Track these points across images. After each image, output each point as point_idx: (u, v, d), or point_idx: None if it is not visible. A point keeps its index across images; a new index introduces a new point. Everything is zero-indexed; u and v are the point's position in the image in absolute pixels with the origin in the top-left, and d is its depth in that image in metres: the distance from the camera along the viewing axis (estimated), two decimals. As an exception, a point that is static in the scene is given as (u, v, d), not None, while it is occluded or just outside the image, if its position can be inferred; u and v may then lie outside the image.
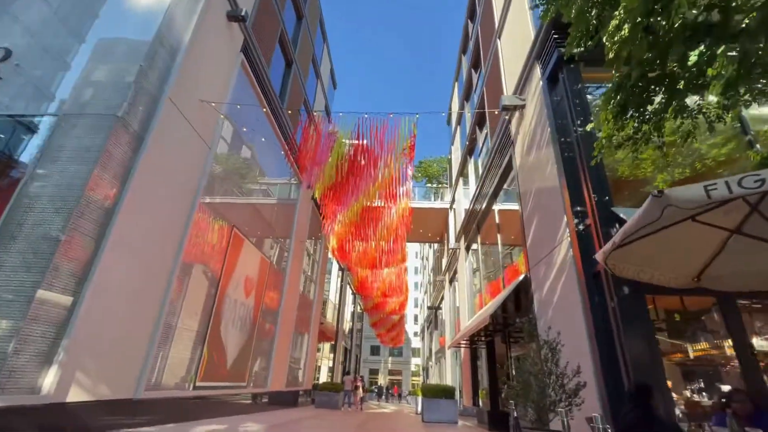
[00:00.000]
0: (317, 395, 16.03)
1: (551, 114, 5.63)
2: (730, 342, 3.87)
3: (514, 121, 7.52)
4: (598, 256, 2.91)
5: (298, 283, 14.52)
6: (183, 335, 7.01)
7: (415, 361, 62.25)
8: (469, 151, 13.16)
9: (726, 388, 3.92)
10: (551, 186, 5.56)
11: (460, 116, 15.59)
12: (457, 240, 14.35)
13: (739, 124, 5.10)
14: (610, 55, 3.20)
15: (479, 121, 11.31)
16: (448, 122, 19.65)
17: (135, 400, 5.66)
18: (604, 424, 3.04)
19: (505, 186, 8.86)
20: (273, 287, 11.99)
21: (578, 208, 4.79)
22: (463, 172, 14.75)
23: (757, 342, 3.96)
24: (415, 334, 63.13)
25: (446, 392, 11.41)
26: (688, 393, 4.15)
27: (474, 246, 12.86)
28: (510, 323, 7.98)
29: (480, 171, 11.00)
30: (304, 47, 14.96)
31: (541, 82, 6.08)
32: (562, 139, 5.31)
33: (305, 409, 14.15)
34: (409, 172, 8.55)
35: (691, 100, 3.53)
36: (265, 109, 9.17)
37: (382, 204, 9.16)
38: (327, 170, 8.36)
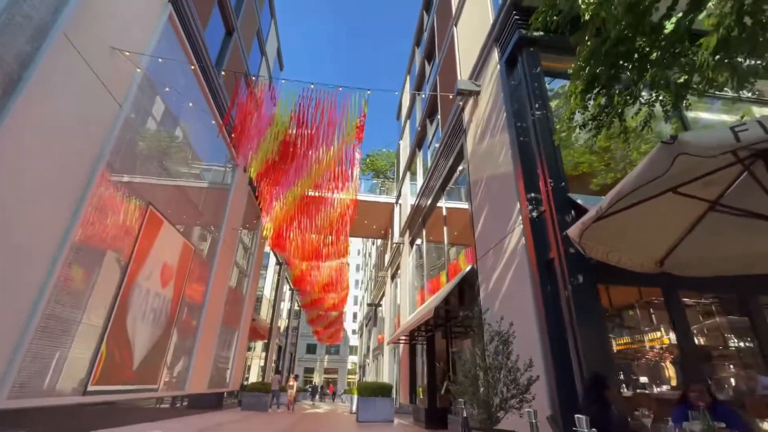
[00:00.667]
0: (244, 396, 14.82)
1: (507, 98, 5.42)
2: (673, 335, 3.86)
3: (467, 109, 7.30)
4: (574, 230, 2.61)
5: (228, 275, 13.25)
6: (72, 330, 5.75)
7: (353, 359, 61.81)
8: (419, 143, 12.92)
9: (671, 381, 3.90)
10: (504, 172, 5.34)
11: (410, 109, 15.35)
12: (402, 235, 14.07)
13: (680, 127, 5.26)
14: (586, 17, 2.92)
15: (430, 113, 11.09)
16: (398, 117, 19.40)
17: (-7, 411, 4.42)
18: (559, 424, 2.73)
19: (454, 176, 8.66)
20: (198, 278, 10.71)
21: (532, 195, 4.57)
22: (411, 167, 14.51)
23: (699, 334, 4.00)
24: (354, 332, 62.68)
25: (382, 390, 11.02)
26: (639, 385, 4.11)
27: (418, 241, 12.64)
28: (453, 317, 7.76)
29: (429, 164, 10.76)
30: (248, 18, 13.70)
31: (498, 66, 5.86)
32: (518, 124, 5.10)
33: (230, 412, 12.94)
34: (357, 156, 7.97)
35: (647, 93, 3.42)
36: (193, 67, 8.02)
37: (326, 190, 8.46)
38: (264, 146, 7.48)
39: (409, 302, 11.93)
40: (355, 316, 64.61)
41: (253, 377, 22.92)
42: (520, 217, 4.73)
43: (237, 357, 15.55)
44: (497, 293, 5.18)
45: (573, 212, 4.07)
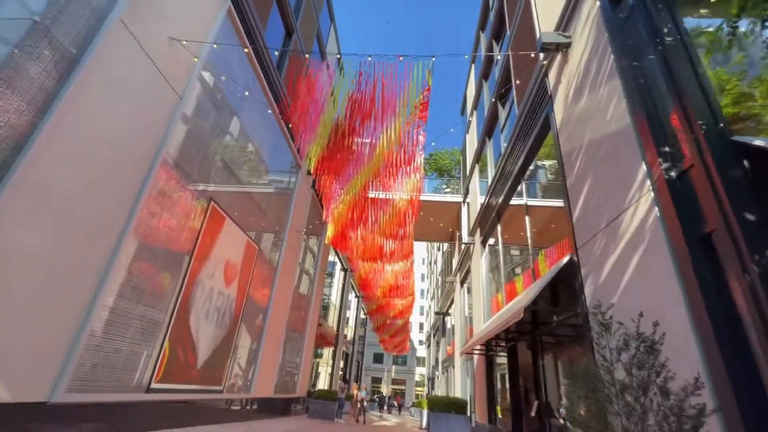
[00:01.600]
0: (311, 403, 14.51)
1: (615, 36, 4.19)
2: None
3: (552, 71, 6.08)
4: None
5: (293, 278, 13.11)
6: (134, 325, 5.61)
7: (420, 371, 60.13)
8: (488, 132, 11.69)
9: None
10: (615, 131, 4.09)
11: (477, 98, 14.15)
12: (472, 234, 12.82)
13: None
14: None
15: (502, 94, 9.88)
16: (462, 112, 18.24)
17: (51, 405, 4.26)
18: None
19: (534, 159, 7.38)
20: (262, 279, 10.59)
21: (666, 149, 3.31)
22: (479, 160, 13.28)
23: None
24: (421, 342, 61.13)
25: (457, 406, 9.83)
26: None
27: (491, 240, 11.33)
28: (543, 323, 6.44)
29: (502, 151, 9.52)
30: (307, 21, 13.75)
31: (597, 2, 4.64)
32: (634, 64, 3.85)
33: (297, 419, 12.63)
34: (421, 138, 7.11)
35: None
36: (246, 49, 7.82)
37: (388, 178, 7.71)
38: (321, 132, 6.97)
39: (483, 309, 10.64)
40: (421, 326, 63.14)
41: (322, 384, 22.85)
42: (648, 183, 3.47)
43: (303, 363, 15.36)
44: (613, 287, 3.90)
45: (747, 161, 2.76)
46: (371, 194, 8.24)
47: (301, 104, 6.67)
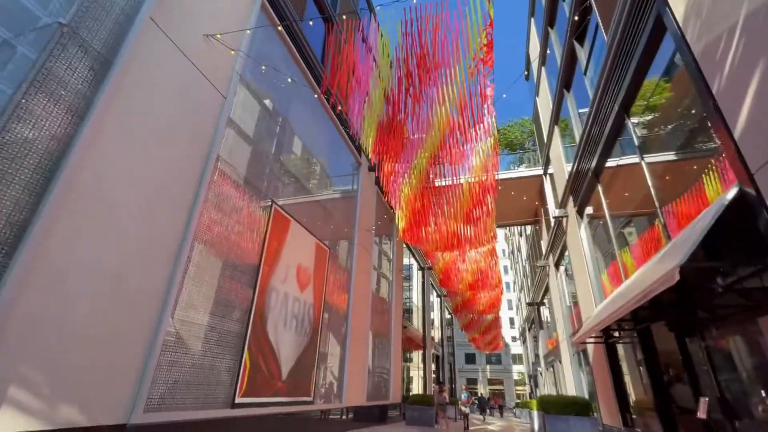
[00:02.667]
0: (408, 410, 13.73)
1: None
2: None
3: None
4: None
5: (369, 280, 12.54)
6: (209, 337, 5.31)
7: (518, 369, 56.41)
8: (566, 82, 9.97)
9: None
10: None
11: (543, 52, 12.37)
12: (562, 206, 11.05)
13: None
14: None
15: (577, 28, 8.25)
16: (527, 77, 16.36)
17: (131, 426, 3.98)
18: None
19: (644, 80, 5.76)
20: (338, 282, 10.13)
21: None
22: (558, 120, 11.49)
23: None
24: (513, 338, 57.46)
25: (578, 406, 8.25)
26: None
27: (589, 209, 9.56)
28: (696, 288, 4.86)
29: (591, 95, 7.90)
30: (345, 11, 13.30)
31: None
32: None
33: (394, 427, 11.93)
34: (489, 92, 5.98)
35: None
36: (279, 27, 7.32)
37: (455, 147, 6.67)
38: (372, 103, 6.19)
39: (592, 289, 8.91)
40: (512, 321, 59.47)
41: (416, 389, 22.04)
42: None
43: (393, 367, 14.69)
44: None
45: None
46: (438, 170, 7.21)
47: (344, 74, 5.95)
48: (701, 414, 4.47)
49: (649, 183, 5.66)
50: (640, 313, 6.50)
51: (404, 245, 19.64)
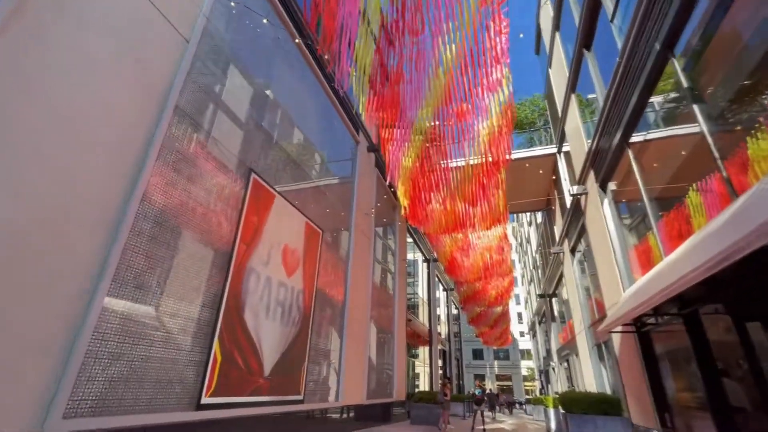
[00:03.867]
0: (413, 408, 12.78)
1: None
2: None
3: None
4: None
5: (369, 267, 11.56)
6: (167, 324, 4.36)
7: (526, 364, 55.31)
8: (586, 41, 8.85)
9: None
10: None
11: (557, 18, 11.25)
12: (581, 182, 9.97)
13: None
14: None
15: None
16: (537, 50, 15.22)
17: (46, 438, 3.04)
18: None
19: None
20: (333, 269, 9.16)
21: None
22: (575, 86, 10.39)
23: None
24: (522, 334, 56.32)
25: (606, 405, 7.25)
26: None
27: (612, 185, 8.51)
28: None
29: (619, 43, 6.84)
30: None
31: None
32: None
33: (398, 427, 10.98)
34: (503, 27, 4.96)
35: None
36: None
37: (463, 102, 5.64)
38: (362, 48, 5.18)
39: (620, 270, 7.86)
40: (520, 316, 58.33)
41: (423, 386, 21.12)
42: None
43: (397, 363, 13.74)
44: None
45: None
46: (443, 131, 6.19)
47: (329, 12, 4.95)
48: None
49: (705, 129, 4.59)
50: (687, 295, 5.45)
51: (408, 234, 18.66)
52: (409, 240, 21.60)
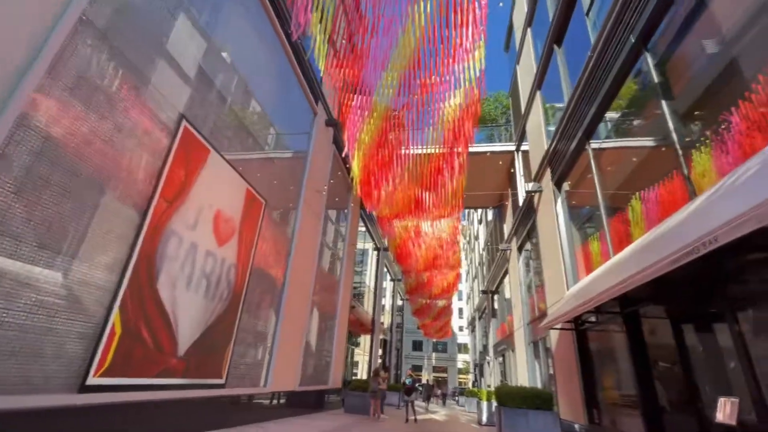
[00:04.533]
0: (348, 396, 12.39)
1: None
2: None
3: None
4: None
5: (315, 247, 10.89)
6: (40, 285, 3.46)
7: (462, 358, 57.58)
8: (557, 37, 8.77)
9: None
10: None
11: (531, 13, 11.18)
12: (537, 180, 10.01)
13: None
14: None
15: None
16: (507, 47, 15.22)
17: None
18: None
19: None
20: (273, 244, 8.40)
21: None
22: (541, 85, 10.38)
23: None
24: (461, 328, 58.45)
25: (539, 400, 7.27)
26: None
27: (566, 185, 8.54)
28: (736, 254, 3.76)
29: (592, 38, 6.72)
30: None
31: None
32: None
33: (329, 416, 10.52)
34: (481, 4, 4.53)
35: None
36: None
37: (431, 70, 5.16)
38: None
39: (566, 268, 7.91)
40: (461, 312, 60.39)
41: (362, 375, 20.89)
42: None
43: (336, 349, 13.26)
44: None
45: None
46: (406, 101, 5.70)
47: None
48: (726, 418, 3.37)
49: (670, 126, 4.48)
50: (630, 295, 5.45)
51: (360, 220, 18.13)
52: (362, 229, 21.16)
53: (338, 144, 12.53)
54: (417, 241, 11.36)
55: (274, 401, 8.62)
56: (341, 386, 14.02)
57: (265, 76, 8.47)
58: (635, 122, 5.94)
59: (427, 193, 7.53)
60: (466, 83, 5.55)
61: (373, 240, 23.01)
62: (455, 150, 6.63)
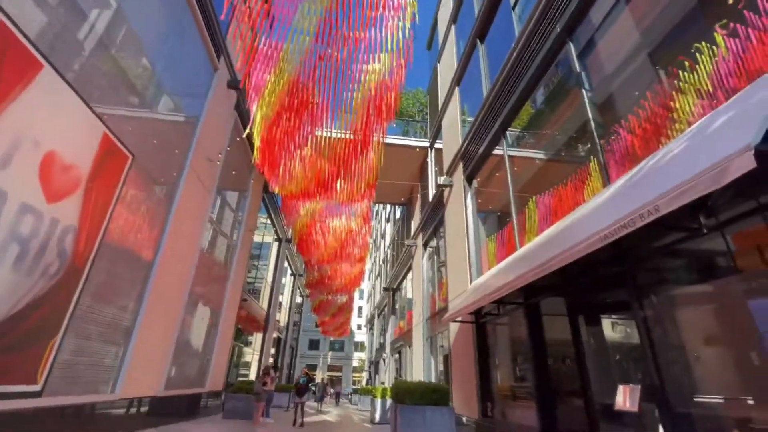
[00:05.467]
0: (229, 400, 10.84)
1: None
2: None
3: None
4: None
5: (200, 225, 9.25)
6: None
7: (358, 356, 57.89)
8: (481, 33, 8.81)
9: None
10: None
11: (457, 9, 11.26)
12: (450, 174, 9.99)
13: None
14: None
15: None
16: (430, 45, 15.34)
17: None
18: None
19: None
20: (142, 213, 6.72)
21: None
22: (460, 81, 10.44)
23: None
24: (359, 327, 58.77)
25: (436, 395, 7.00)
26: None
27: (477, 180, 8.60)
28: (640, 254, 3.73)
29: (516, 30, 6.72)
30: None
31: None
32: None
33: (206, 424, 8.94)
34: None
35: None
36: None
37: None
38: None
39: (472, 261, 7.88)
40: (360, 310, 60.76)
41: (252, 375, 18.96)
42: None
43: (219, 348, 11.57)
44: None
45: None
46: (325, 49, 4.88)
47: None
48: (626, 405, 3.26)
49: (590, 115, 4.46)
50: (528, 289, 5.44)
51: (263, 206, 16.45)
52: (266, 221, 19.36)
53: (243, 113, 10.98)
54: (324, 226, 10.46)
55: (132, 410, 6.89)
56: (223, 389, 12.33)
57: (154, 12, 6.75)
58: (550, 118, 6.02)
59: (340, 169, 6.74)
60: (394, 44, 4.93)
61: (276, 230, 21.29)
62: (373, 125, 5.98)
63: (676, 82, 3.50)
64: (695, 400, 3.13)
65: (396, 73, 5.60)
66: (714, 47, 3.21)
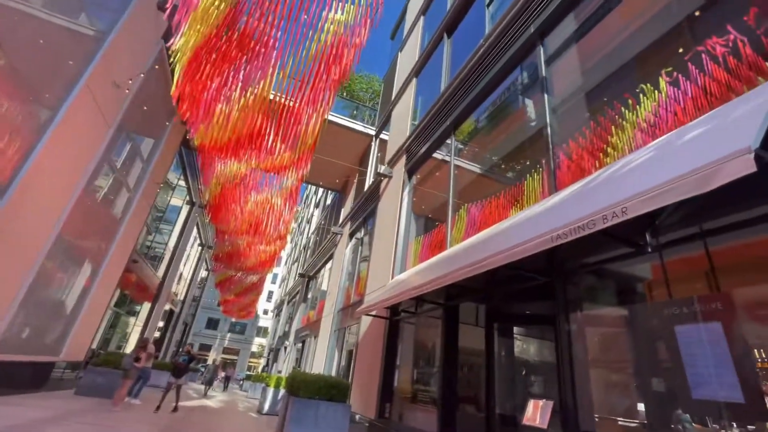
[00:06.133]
0: (90, 373, 9.08)
1: None
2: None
3: None
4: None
5: (88, 158, 7.60)
6: None
7: (259, 341, 55.25)
8: (449, 27, 8.54)
9: None
10: None
11: (429, 3, 10.94)
12: (391, 165, 9.59)
13: None
14: None
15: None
16: (393, 35, 14.88)
17: None
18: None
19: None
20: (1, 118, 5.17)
21: None
22: (419, 73, 10.12)
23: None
24: (266, 311, 56.16)
25: (335, 390, 6.48)
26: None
27: (414, 179, 8.33)
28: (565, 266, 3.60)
29: (488, 28, 6.53)
30: None
31: None
32: None
33: (52, 400, 7.27)
34: None
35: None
36: None
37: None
38: None
39: (398, 256, 7.53)
40: (270, 295, 58.16)
41: (130, 348, 16.57)
42: None
43: (88, 310, 9.74)
44: None
45: None
46: None
47: None
48: (538, 421, 3.06)
49: (548, 119, 4.31)
50: (452, 289, 5.21)
51: (178, 159, 14.47)
52: (179, 180, 17.16)
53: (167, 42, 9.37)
54: (246, 192, 9.33)
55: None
56: (85, 360, 10.41)
57: None
58: (502, 118, 5.90)
59: (273, 126, 5.87)
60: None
61: (190, 193, 19.06)
62: (324, 83, 5.28)
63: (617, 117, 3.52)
64: (596, 419, 3.05)
65: (358, 33, 4.98)
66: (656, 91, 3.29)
